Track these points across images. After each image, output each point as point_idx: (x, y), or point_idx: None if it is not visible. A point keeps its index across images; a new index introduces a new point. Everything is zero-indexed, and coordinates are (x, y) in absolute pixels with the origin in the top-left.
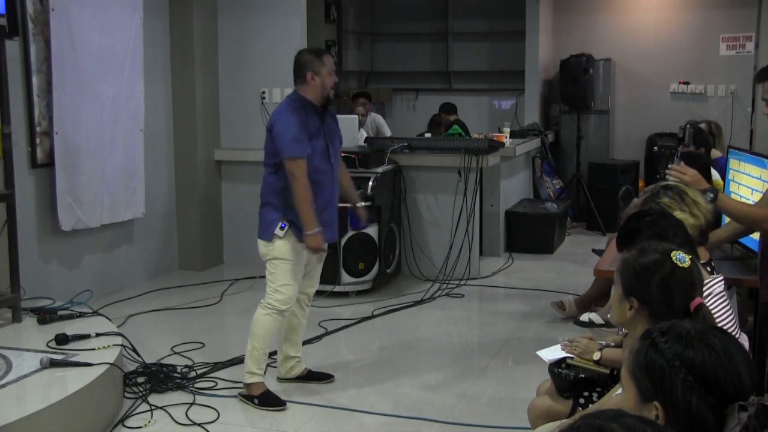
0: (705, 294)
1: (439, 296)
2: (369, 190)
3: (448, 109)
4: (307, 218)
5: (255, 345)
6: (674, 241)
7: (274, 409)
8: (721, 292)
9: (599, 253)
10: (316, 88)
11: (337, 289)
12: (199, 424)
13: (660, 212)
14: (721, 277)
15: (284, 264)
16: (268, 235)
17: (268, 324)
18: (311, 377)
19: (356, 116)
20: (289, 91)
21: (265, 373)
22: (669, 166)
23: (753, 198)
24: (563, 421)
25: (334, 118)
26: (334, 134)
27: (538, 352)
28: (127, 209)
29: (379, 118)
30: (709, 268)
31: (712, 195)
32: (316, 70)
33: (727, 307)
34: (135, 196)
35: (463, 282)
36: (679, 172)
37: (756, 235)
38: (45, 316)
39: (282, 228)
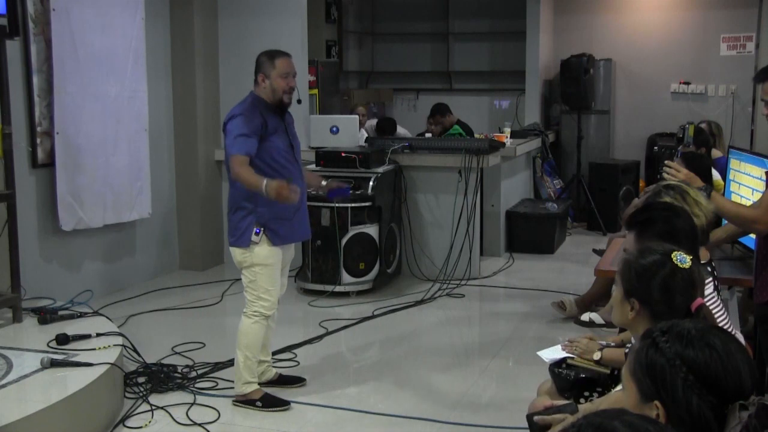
0: None
1: (439, 296)
2: (370, 190)
3: (443, 109)
4: (253, 181)
5: (248, 355)
6: (681, 243)
7: (279, 409)
8: (710, 293)
9: (600, 253)
10: (266, 91)
11: (338, 289)
12: (199, 424)
13: (679, 210)
14: (710, 279)
15: (264, 269)
16: (244, 242)
17: (256, 332)
18: (282, 381)
19: (356, 116)
20: None
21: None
22: (665, 162)
23: (753, 198)
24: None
25: (293, 121)
26: (295, 135)
27: (539, 353)
28: (132, 209)
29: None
30: (709, 269)
31: (704, 194)
32: (266, 73)
33: (719, 308)
34: (141, 197)
35: (463, 282)
36: (674, 170)
37: None
38: (45, 316)
39: (257, 233)
